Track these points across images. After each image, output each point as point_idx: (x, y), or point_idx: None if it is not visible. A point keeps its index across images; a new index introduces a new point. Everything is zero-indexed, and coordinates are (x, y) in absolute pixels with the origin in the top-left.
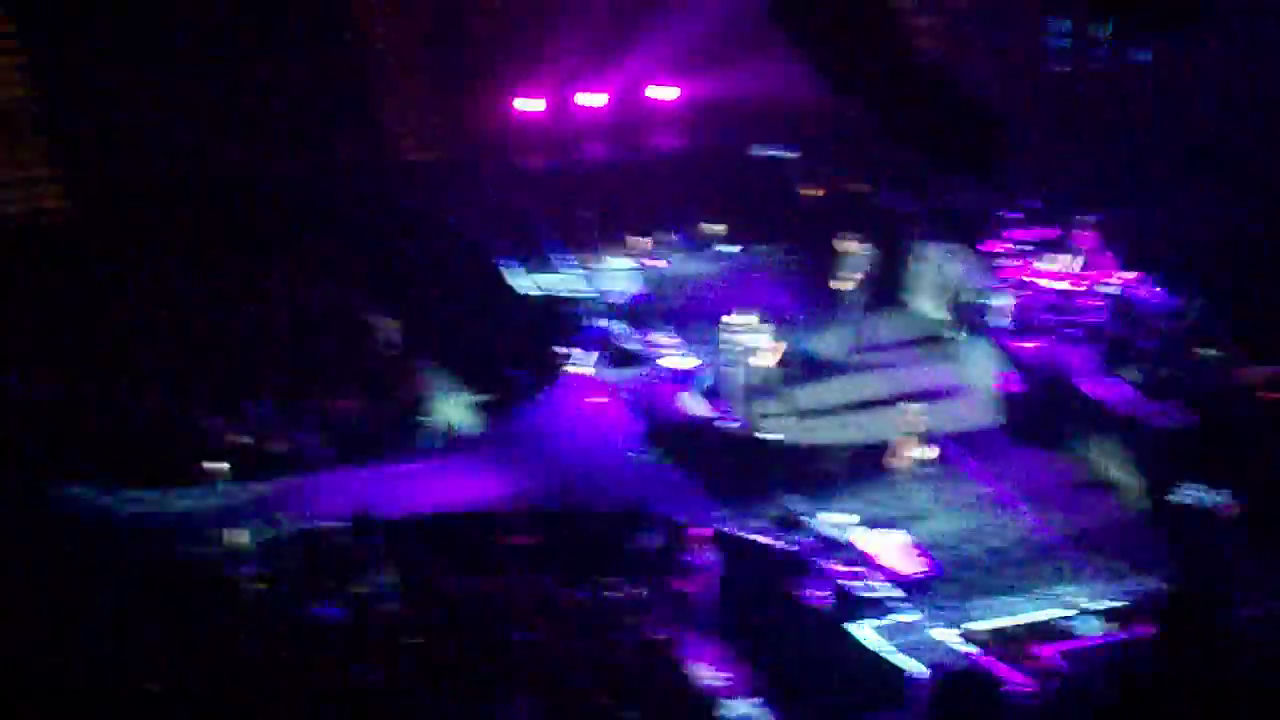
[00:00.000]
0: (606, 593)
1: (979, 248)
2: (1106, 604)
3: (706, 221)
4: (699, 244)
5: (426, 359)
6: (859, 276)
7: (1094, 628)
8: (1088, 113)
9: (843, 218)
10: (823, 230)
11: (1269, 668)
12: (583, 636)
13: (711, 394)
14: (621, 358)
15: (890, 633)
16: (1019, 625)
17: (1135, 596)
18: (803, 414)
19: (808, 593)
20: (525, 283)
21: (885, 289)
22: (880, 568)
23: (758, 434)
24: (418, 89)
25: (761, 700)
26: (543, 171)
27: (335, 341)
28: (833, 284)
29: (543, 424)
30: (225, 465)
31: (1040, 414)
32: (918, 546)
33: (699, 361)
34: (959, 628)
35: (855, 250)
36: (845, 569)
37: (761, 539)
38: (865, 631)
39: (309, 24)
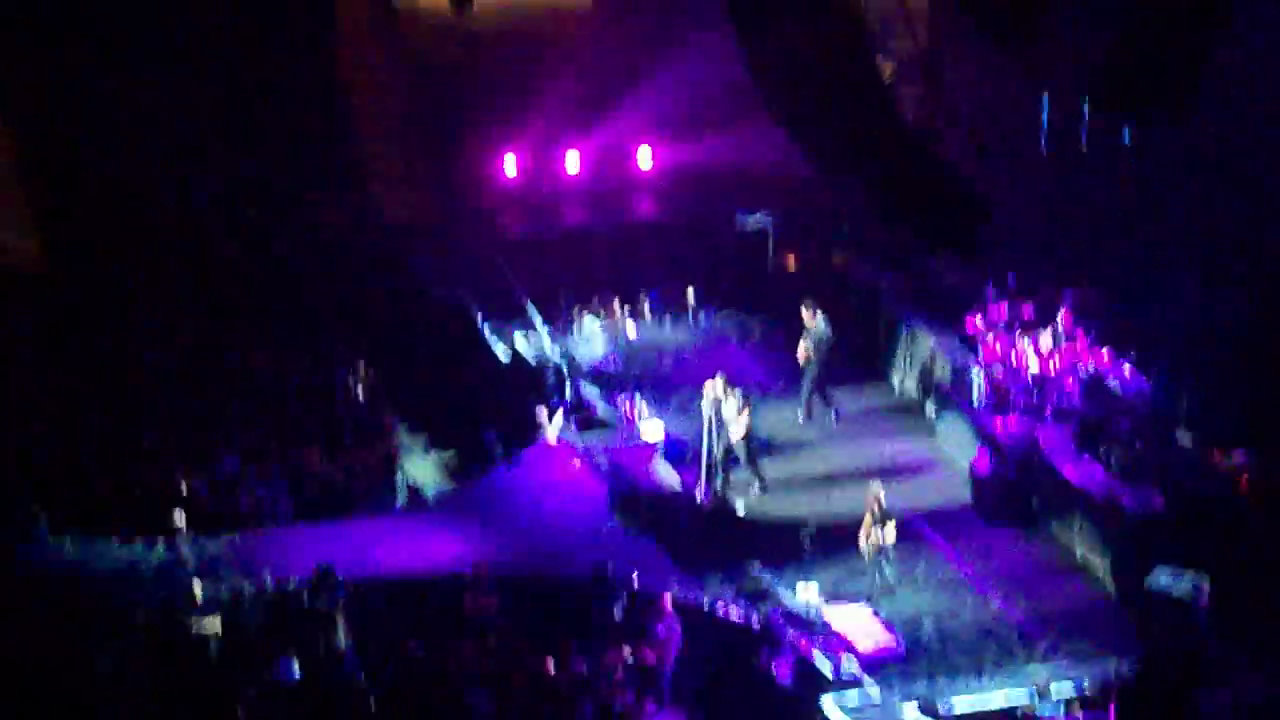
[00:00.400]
0: (570, 660)
1: (957, 324)
2: (1073, 687)
3: (682, 289)
4: (674, 311)
5: (397, 418)
6: (819, 347)
7: (1059, 711)
8: (1069, 193)
9: (820, 289)
10: (799, 302)
11: None
12: (545, 704)
13: (681, 462)
14: (592, 423)
15: (855, 709)
16: (985, 706)
17: (1102, 680)
18: (772, 486)
19: (773, 666)
20: (499, 345)
21: (862, 363)
22: (846, 643)
23: (726, 504)
24: (397, 152)
25: None
26: (520, 235)
27: (305, 398)
28: (797, 354)
29: (511, 487)
30: (186, 518)
31: (1012, 493)
32: (885, 623)
33: (669, 429)
34: (924, 706)
35: (815, 321)
36: (811, 643)
37: (728, 610)
38: (830, 707)
39: (291, 88)
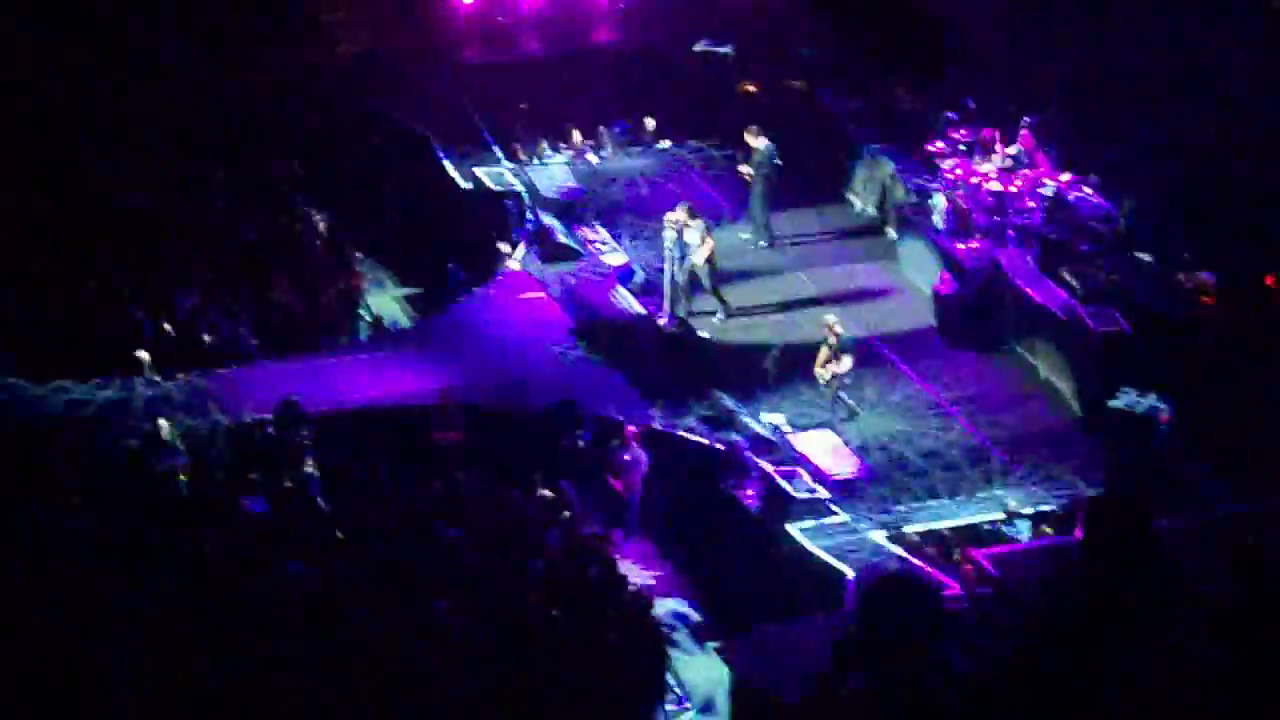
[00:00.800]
0: (536, 490)
1: (918, 148)
2: (1038, 509)
3: (643, 117)
4: (635, 140)
5: (359, 253)
6: (760, 169)
7: (1024, 532)
8: (1029, 15)
9: (780, 116)
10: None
11: (1194, 576)
12: (511, 535)
13: (644, 291)
14: (555, 253)
15: (821, 534)
16: (950, 528)
17: (1068, 500)
18: (736, 312)
19: (740, 492)
20: (460, 177)
21: (823, 187)
22: (812, 468)
23: (690, 331)
24: None
25: (692, 600)
26: (478, 64)
27: (268, 234)
28: (742, 174)
29: (474, 319)
30: (150, 357)
31: (975, 316)
32: (850, 447)
33: (631, 258)
34: (890, 530)
35: (758, 143)
36: (777, 469)
37: (693, 437)
38: (796, 532)
39: None
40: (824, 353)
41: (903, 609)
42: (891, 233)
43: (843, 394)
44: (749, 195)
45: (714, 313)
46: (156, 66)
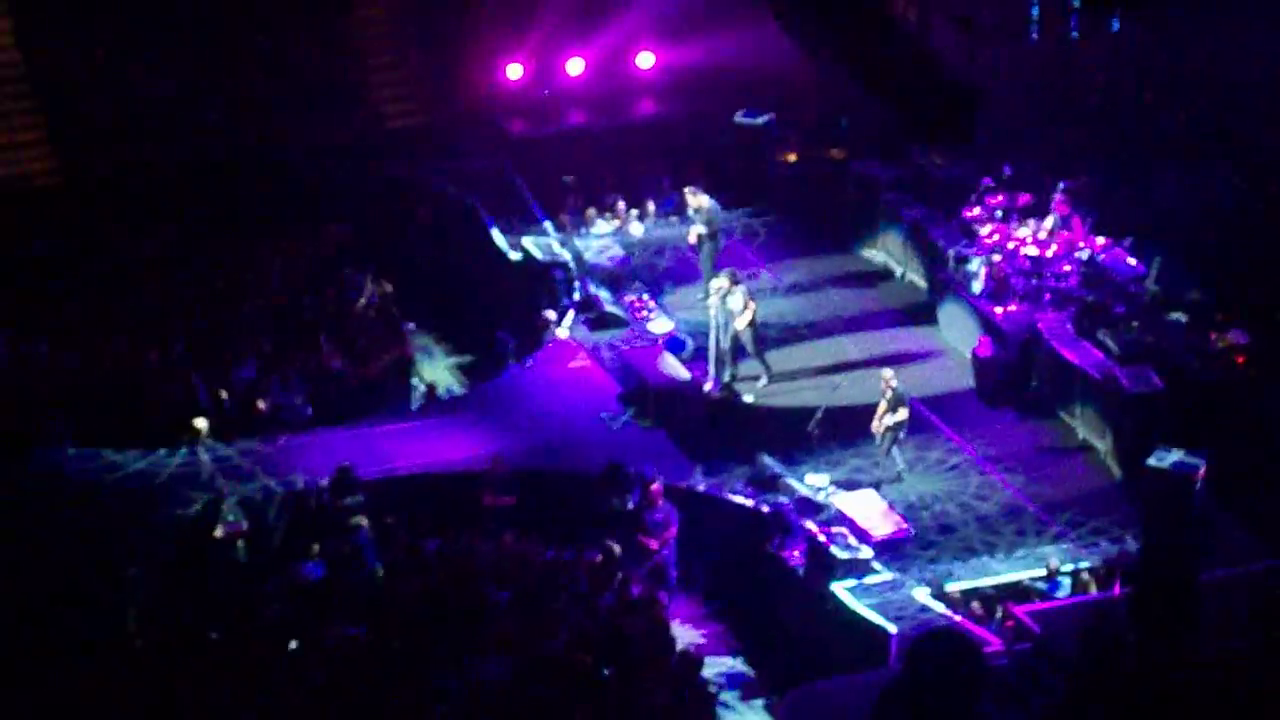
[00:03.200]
0: (584, 552)
1: (955, 214)
2: (1078, 566)
3: (685, 187)
4: (677, 209)
5: (410, 322)
6: (711, 226)
7: (1066, 590)
8: (1061, 81)
9: (818, 183)
10: (798, 195)
11: (1237, 630)
12: (560, 596)
13: (689, 357)
14: (601, 321)
15: (865, 593)
16: (992, 586)
17: (1107, 558)
18: (779, 376)
19: (785, 553)
20: (508, 247)
21: (858, 251)
22: (856, 528)
23: (735, 396)
24: (404, 56)
25: (740, 658)
26: (523, 137)
27: (320, 303)
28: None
29: (523, 387)
30: (207, 424)
31: (1014, 378)
32: (893, 508)
33: (677, 325)
34: (932, 587)
35: (700, 200)
36: (822, 529)
37: (738, 500)
38: (841, 591)
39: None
40: (882, 406)
41: (946, 665)
42: (931, 298)
43: (896, 449)
44: (697, 257)
45: (758, 377)
46: (204, 133)
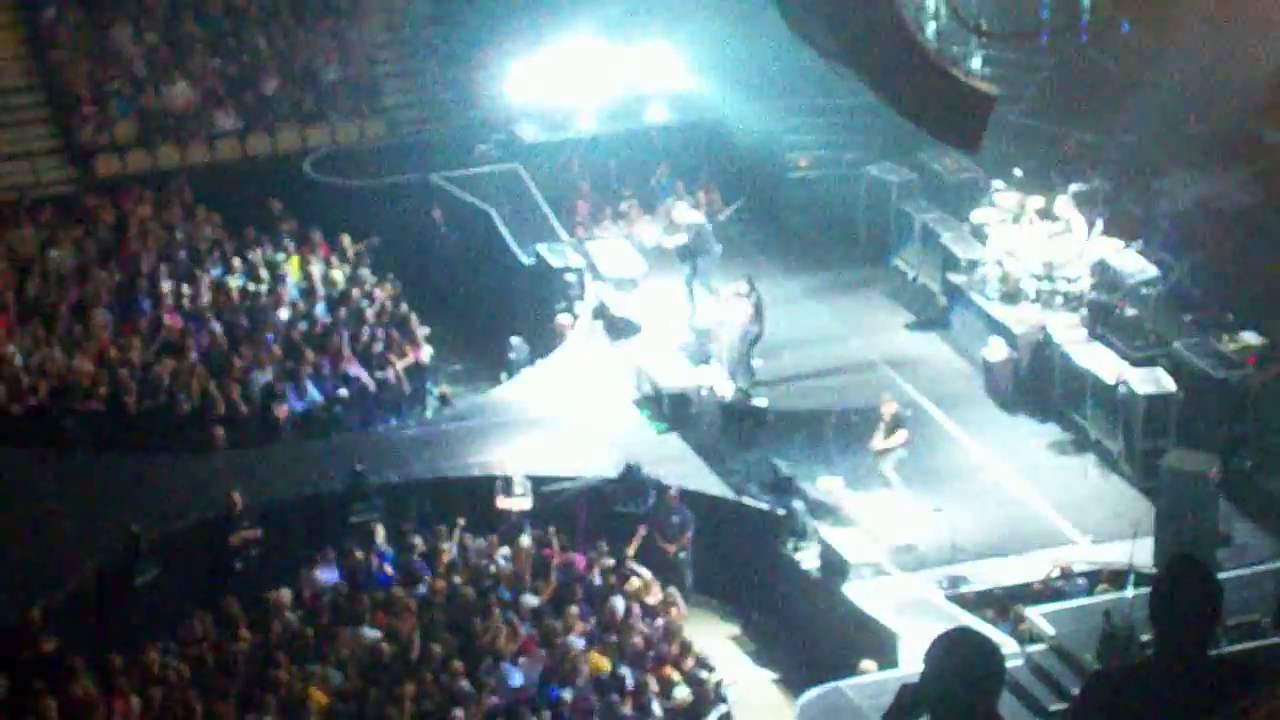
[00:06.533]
0: (601, 554)
1: (966, 216)
2: (1092, 567)
3: (699, 191)
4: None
5: (425, 328)
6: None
7: (1080, 590)
8: (1072, 83)
9: (831, 186)
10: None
11: (1251, 630)
12: (578, 597)
13: (703, 361)
14: (615, 327)
15: (879, 594)
16: (1005, 588)
17: (1122, 559)
18: (793, 379)
19: (798, 555)
20: (522, 253)
21: (873, 256)
22: (869, 530)
23: (748, 399)
24: (415, 64)
25: (755, 658)
26: (539, 143)
27: (335, 309)
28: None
29: (538, 392)
30: (223, 430)
31: (1026, 381)
32: (905, 509)
33: (692, 329)
34: (947, 590)
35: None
36: (835, 531)
37: (752, 503)
38: (855, 592)
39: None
40: (880, 430)
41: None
42: (942, 300)
43: (891, 471)
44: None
45: (771, 379)
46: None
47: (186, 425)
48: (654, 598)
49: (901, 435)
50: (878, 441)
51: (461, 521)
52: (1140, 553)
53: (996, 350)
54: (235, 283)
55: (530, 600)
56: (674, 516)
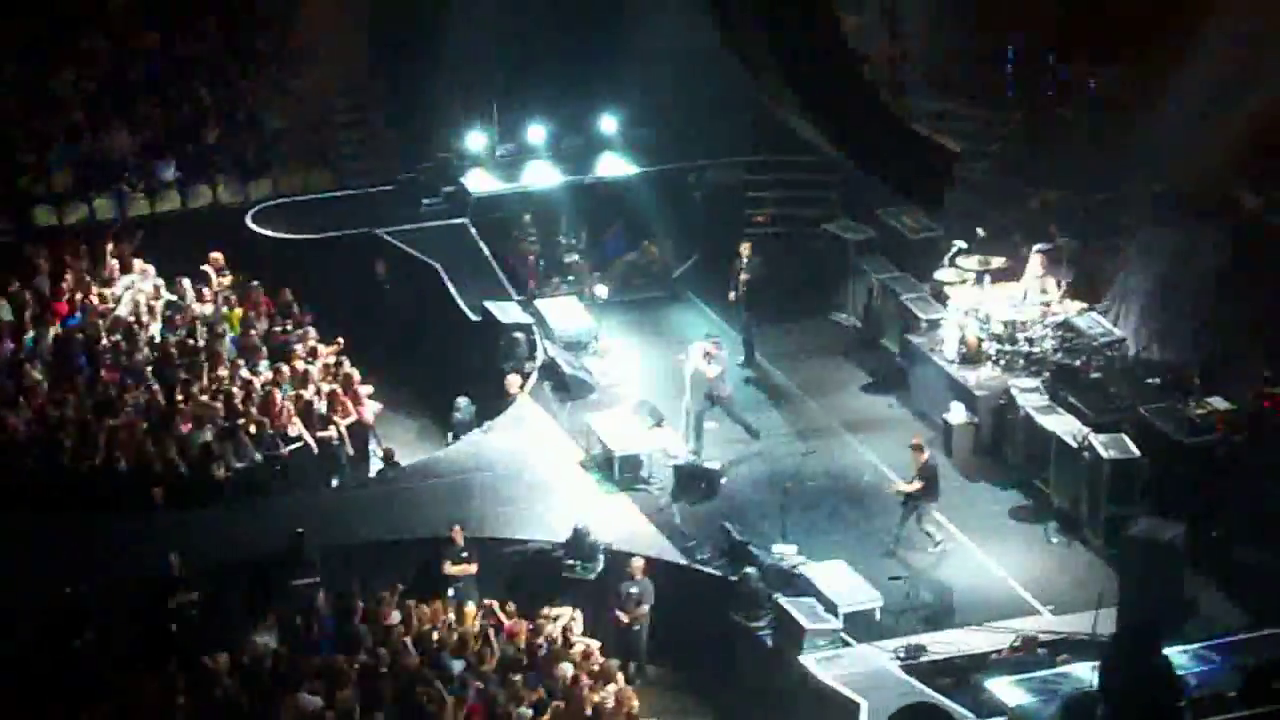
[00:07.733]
0: (548, 620)
1: (928, 277)
2: (1054, 636)
3: (652, 247)
4: (644, 270)
5: (370, 386)
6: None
7: (1041, 660)
8: (1036, 143)
9: (792, 243)
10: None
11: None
12: (524, 665)
13: (656, 423)
14: (565, 386)
15: (836, 664)
16: (964, 657)
17: (1085, 626)
18: (750, 443)
19: (754, 623)
20: (468, 308)
21: (829, 314)
22: (826, 599)
23: (704, 463)
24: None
25: None
26: (488, 196)
27: (278, 368)
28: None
29: (484, 451)
30: (162, 494)
31: (987, 445)
32: (864, 578)
33: (643, 391)
34: (903, 660)
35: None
36: (791, 599)
37: (706, 569)
38: (811, 662)
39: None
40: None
41: None
42: (903, 362)
43: (914, 520)
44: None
45: (727, 443)
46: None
47: (124, 485)
48: (598, 665)
49: (917, 485)
50: (900, 485)
51: (403, 586)
52: (1104, 623)
53: (957, 414)
54: (173, 337)
55: (476, 668)
56: (632, 587)
